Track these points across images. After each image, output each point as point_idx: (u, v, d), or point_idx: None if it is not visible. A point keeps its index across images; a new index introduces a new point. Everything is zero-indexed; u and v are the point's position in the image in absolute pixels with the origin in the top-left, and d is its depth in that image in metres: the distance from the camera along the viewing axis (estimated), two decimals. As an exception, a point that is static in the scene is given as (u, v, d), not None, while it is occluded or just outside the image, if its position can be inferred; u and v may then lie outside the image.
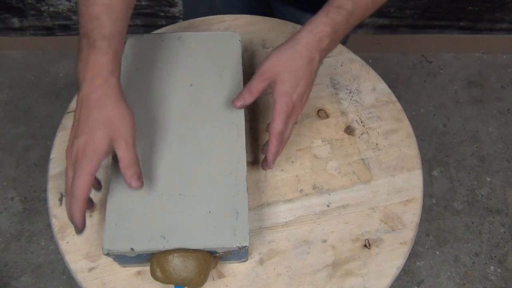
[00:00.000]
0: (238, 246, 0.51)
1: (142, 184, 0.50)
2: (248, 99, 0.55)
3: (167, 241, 0.50)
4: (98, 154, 0.46)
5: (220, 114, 0.58)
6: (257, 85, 0.55)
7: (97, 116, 0.47)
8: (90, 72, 0.47)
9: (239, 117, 0.58)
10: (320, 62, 0.55)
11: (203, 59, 0.63)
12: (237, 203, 0.53)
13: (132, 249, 0.49)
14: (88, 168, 0.46)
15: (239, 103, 0.56)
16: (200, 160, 0.55)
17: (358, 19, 0.56)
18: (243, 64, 0.63)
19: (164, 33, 0.66)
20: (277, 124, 0.53)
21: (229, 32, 0.66)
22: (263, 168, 0.62)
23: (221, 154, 0.56)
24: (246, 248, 0.51)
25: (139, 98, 0.59)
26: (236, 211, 0.52)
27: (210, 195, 0.53)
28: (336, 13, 0.53)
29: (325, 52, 0.55)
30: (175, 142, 0.56)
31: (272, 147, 0.55)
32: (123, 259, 0.53)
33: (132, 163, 0.48)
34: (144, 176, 0.51)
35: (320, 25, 0.53)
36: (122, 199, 0.52)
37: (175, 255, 0.49)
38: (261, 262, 0.58)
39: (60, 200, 0.61)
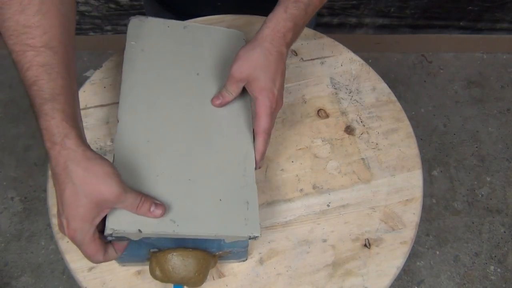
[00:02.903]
0: (250, 236, 0.49)
1: (164, 208, 0.47)
2: (227, 98, 0.56)
3: (177, 225, 0.47)
4: (90, 236, 0.44)
5: (227, 106, 0.58)
6: (232, 87, 0.55)
7: (74, 197, 0.42)
8: (46, 142, 0.43)
9: (246, 109, 0.58)
10: (287, 55, 0.56)
11: (208, 50, 0.62)
12: (246, 194, 0.52)
13: (139, 230, 0.46)
14: (87, 251, 0.45)
15: (217, 101, 0.56)
16: (208, 149, 0.54)
17: (316, 8, 0.57)
18: None
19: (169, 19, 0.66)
20: (263, 122, 0.53)
21: (233, 30, 0.66)
22: None
23: (229, 145, 0.55)
24: (256, 238, 0.50)
25: (146, 81, 0.57)
26: (246, 201, 0.51)
27: (219, 183, 0.52)
28: (295, 8, 0.54)
29: (290, 45, 0.56)
30: (183, 129, 0.55)
31: (260, 146, 0.54)
32: (123, 253, 0.53)
33: (139, 203, 0.46)
34: (151, 162, 0.50)
35: (281, 22, 0.53)
36: (129, 181, 0.48)
37: (174, 254, 0.49)
38: (261, 261, 0.58)
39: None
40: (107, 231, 0.45)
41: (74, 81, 0.47)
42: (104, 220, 0.45)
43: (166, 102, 0.56)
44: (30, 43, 0.44)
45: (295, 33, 0.55)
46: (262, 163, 0.56)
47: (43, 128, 0.43)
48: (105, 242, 0.47)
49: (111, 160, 0.47)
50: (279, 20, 0.54)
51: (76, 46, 0.49)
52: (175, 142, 0.53)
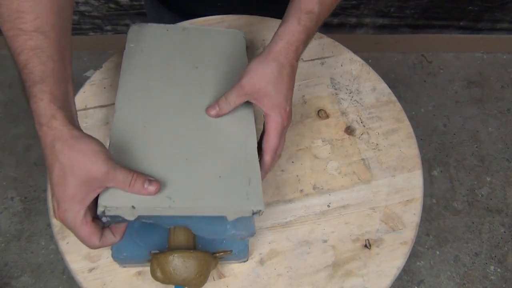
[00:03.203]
0: (253, 210, 0.47)
1: (158, 184, 0.45)
2: (224, 110, 0.53)
3: (173, 201, 0.45)
4: (81, 217, 0.43)
5: (225, 84, 0.56)
6: (236, 99, 0.52)
7: (62, 177, 0.42)
8: (36, 124, 0.43)
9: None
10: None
11: (208, 47, 0.62)
12: (248, 171, 0.49)
13: (133, 206, 0.44)
14: (80, 234, 0.44)
15: (213, 111, 0.53)
16: (207, 132, 0.52)
17: (324, 19, 0.55)
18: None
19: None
20: (274, 141, 0.51)
21: (233, 30, 0.66)
22: None
23: (229, 127, 0.53)
24: (261, 213, 0.47)
25: (144, 74, 0.57)
26: (248, 178, 0.49)
27: (219, 162, 0.50)
28: (308, 19, 0.52)
29: (299, 57, 0.54)
30: (181, 115, 0.53)
31: (267, 165, 0.52)
32: (123, 254, 0.53)
33: (131, 180, 0.44)
34: (146, 146, 0.49)
35: (296, 34, 0.52)
36: (124, 161, 0.47)
37: (176, 255, 0.49)
38: (261, 262, 0.58)
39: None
40: (99, 209, 0.43)
41: (67, 66, 0.47)
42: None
43: (164, 93, 0.55)
44: (23, 27, 0.44)
45: (306, 46, 0.54)
46: (264, 176, 0.54)
47: (32, 110, 0.43)
48: (101, 226, 0.45)
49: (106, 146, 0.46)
50: (293, 33, 0.52)
51: (71, 32, 0.49)
52: (172, 127, 0.52)
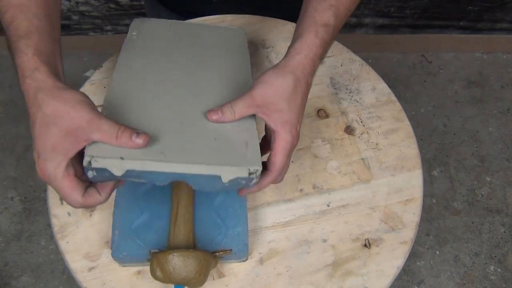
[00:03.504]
0: (249, 170, 0.44)
1: (147, 137, 0.43)
2: (227, 118, 0.48)
3: (165, 156, 0.42)
4: (62, 170, 0.41)
5: (226, 74, 0.55)
6: (243, 109, 0.48)
7: (44, 128, 0.40)
8: (19, 79, 0.42)
9: (247, 79, 0.56)
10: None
11: (210, 41, 0.62)
12: (246, 136, 0.47)
13: (122, 158, 0.41)
14: (61, 188, 0.42)
15: (215, 116, 0.48)
16: (203, 101, 0.50)
17: (338, 30, 0.53)
18: None
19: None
20: (280, 160, 0.47)
21: (235, 27, 0.67)
22: (239, 193, 0.52)
23: (228, 99, 0.49)
24: (258, 174, 0.44)
25: (143, 54, 0.56)
26: (246, 142, 0.46)
27: (215, 127, 0.47)
28: (325, 32, 0.50)
29: (315, 72, 0.52)
30: (177, 87, 0.51)
31: (265, 183, 0.49)
32: (123, 253, 0.53)
33: (118, 131, 0.42)
34: (140, 111, 0.47)
35: (314, 48, 0.49)
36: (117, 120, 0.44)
37: (175, 254, 0.49)
38: (261, 261, 0.58)
39: (61, 200, 0.61)
40: (85, 160, 0.41)
41: (55, 26, 0.47)
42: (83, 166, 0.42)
43: (162, 71, 0.54)
44: None
45: (322, 60, 0.51)
46: (256, 190, 0.51)
47: (16, 65, 0.42)
48: (86, 184, 0.43)
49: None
50: (311, 47, 0.49)
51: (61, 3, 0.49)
52: (168, 96, 0.50)
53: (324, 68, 0.73)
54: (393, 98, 0.71)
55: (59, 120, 0.40)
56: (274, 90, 0.47)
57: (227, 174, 0.43)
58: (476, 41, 1.65)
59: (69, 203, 0.43)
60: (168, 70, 0.54)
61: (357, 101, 0.70)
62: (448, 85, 1.64)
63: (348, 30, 1.57)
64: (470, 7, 1.48)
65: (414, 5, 1.46)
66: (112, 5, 1.42)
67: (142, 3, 1.40)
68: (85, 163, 0.41)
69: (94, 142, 0.42)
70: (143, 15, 1.45)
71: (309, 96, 0.70)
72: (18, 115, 1.49)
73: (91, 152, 0.41)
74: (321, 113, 0.69)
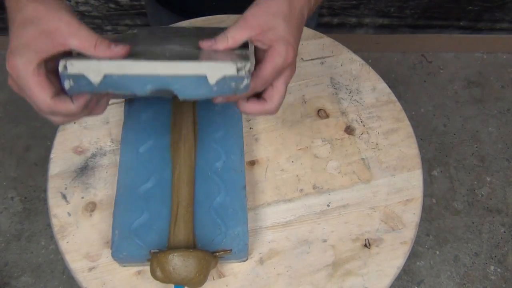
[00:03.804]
0: (237, 67, 0.40)
1: (128, 47, 0.41)
2: (220, 44, 0.45)
3: (147, 57, 0.41)
4: (34, 67, 0.39)
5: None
6: (236, 33, 0.44)
7: (21, 26, 0.39)
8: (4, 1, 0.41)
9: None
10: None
11: (209, 35, 0.60)
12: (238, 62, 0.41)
13: (99, 59, 0.40)
14: (29, 88, 0.39)
15: (208, 43, 0.45)
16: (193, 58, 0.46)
17: None
18: None
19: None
20: (270, 72, 0.43)
21: None
22: (227, 100, 0.47)
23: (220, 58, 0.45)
24: (247, 71, 0.41)
25: (139, 39, 0.54)
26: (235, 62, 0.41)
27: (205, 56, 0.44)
28: None
29: (308, 12, 0.49)
30: (167, 51, 0.48)
31: (254, 103, 0.46)
32: (123, 253, 0.53)
33: (97, 40, 0.40)
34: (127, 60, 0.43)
35: None
36: None
37: (175, 254, 0.49)
38: (261, 261, 0.58)
39: (62, 198, 0.61)
40: (61, 64, 0.39)
41: None
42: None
43: (155, 45, 0.52)
44: None
45: (316, 4, 0.49)
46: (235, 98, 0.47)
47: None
48: (58, 87, 0.41)
49: None
50: None
51: None
52: (157, 55, 0.46)
53: (324, 68, 0.73)
54: (393, 98, 0.71)
55: (38, 21, 0.39)
56: (266, 10, 0.44)
57: (214, 72, 0.40)
58: (476, 41, 1.65)
59: (37, 107, 0.41)
60: (160, 44, 0.52)
61: (357, 101, 0.70)
62: (448, 85, 1.64)
63: (348, 30, 1.57)
64: (470, 7, 1.48)
65: (414, 5, 1.46)
66: (112, 5, 1.42)
67: (142, 3, 1.39)
68: (60, 68, 0.39)
69: (70, 54, 0.40)
70: (143, 15, 1.45)
71: (309, 96, 0.70)
72: (18, 115, 1.49)
73: (67, 58, 0.39)
74: (321, 113, 0.69)
